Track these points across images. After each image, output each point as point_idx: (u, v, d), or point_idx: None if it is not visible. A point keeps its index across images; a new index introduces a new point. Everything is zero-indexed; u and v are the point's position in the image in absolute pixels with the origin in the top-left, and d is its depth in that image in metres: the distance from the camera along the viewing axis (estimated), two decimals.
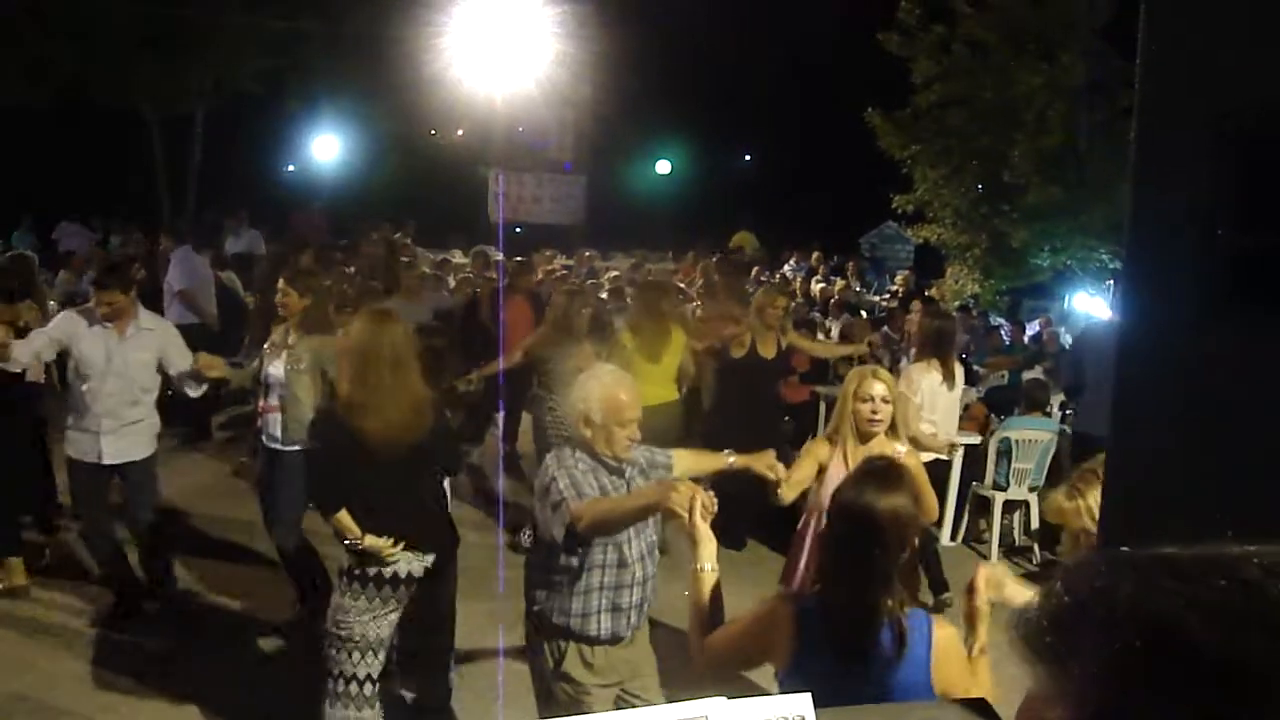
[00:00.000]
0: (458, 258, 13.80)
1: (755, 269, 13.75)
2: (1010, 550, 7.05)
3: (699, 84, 22.72)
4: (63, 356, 4.99)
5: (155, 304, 8.54)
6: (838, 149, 19.06)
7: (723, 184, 25.44)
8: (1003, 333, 11.74)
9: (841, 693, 1.97)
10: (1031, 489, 6.89)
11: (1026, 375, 8.67)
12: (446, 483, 4.19)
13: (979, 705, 1.92)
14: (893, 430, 3.91)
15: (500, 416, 7.70)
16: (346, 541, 3.60)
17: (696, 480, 2.97)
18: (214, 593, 5.56)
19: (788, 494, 3.80)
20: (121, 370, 4.85)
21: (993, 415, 7.64)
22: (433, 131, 21.19)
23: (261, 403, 5.05)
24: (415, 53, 16.03)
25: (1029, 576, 6.54)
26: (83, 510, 5.17)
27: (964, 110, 14.64)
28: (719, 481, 3.75)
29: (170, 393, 5.26)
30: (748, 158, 29.45)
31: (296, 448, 4.93)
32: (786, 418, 8.05)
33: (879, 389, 3.87)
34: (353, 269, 10.22)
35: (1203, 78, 1.58)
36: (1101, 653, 0.66)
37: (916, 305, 8.15)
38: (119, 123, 18.82)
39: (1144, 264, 1.71)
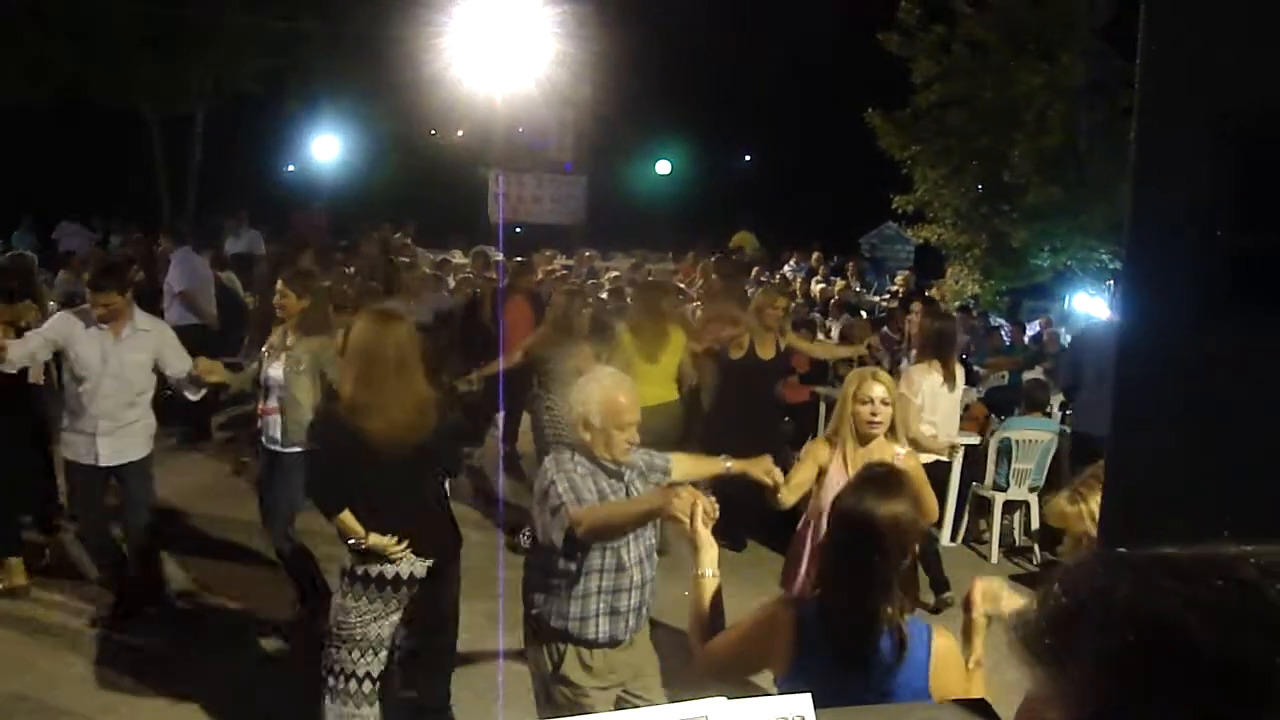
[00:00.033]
0: (458, 258, 13.80)
1: (755, 269, 13.75)
2: (1010, 551, 7.04)
3: (699, 84, 22.72)
4: (59, 357, 4.98)
5: (154, 305, 8.55)
6: (838, 149, 19.06)
7: (723, 184, 25.44)
8: (1003, 333, 11.74)
9: (840, 699, 1.96)
10: (1032, 489, 6.89)
11: (1026, 376, 8.67)
12: (446, 483, 4.19)
13: (979, 706, 1.92)
14: (892, 432, 3.91)
15: (500, 417, 7.70)
16: (351, 541, 3.60)
17: (697, 485, 2.97)
18: (214, 593, 5.56)
19: (788, 498, 3.80)
20: (117, 372, 4.83)
21: (993, 415, 7.64)
22: (433, 132, 21.19)
23: (261, 405, 5.05)
24: (415, 53, 16.04)
25: (1029, 577, 6.57)
26: (80, 513, 5.15)
27: (964, 110, 14.64)
28: (719, 483, 3.75)
29: (169, 392, 5.24)
30: (748, 158, 29.45)
31: (297, 449, 4.93)
32: (786, 418, 8.05)
33: (879, 391, 3.86)
34: (352, 269, 10.22)
35: (1203, 78, 1.58)
36: (1100, 653, 0.66)
37: (916, 306, 8.14)
38: (119, 123, 18.82)
39: (1144, 264, 1.71)
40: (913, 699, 2.22)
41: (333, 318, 5.44)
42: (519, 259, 9.74)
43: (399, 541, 3.60)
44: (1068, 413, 7.81)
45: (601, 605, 3.14)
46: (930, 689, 2.24)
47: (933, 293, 15.19)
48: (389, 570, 3.62)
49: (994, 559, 6.86)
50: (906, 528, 2.31)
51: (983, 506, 7.05)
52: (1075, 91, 13.93)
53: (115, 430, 4.87)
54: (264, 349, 5.15)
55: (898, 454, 3.87)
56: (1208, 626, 0.63)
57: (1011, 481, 6.85)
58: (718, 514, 2.59)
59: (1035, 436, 6.83)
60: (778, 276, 14.36)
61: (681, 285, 11.07)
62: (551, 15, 15.89)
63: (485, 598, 4.78)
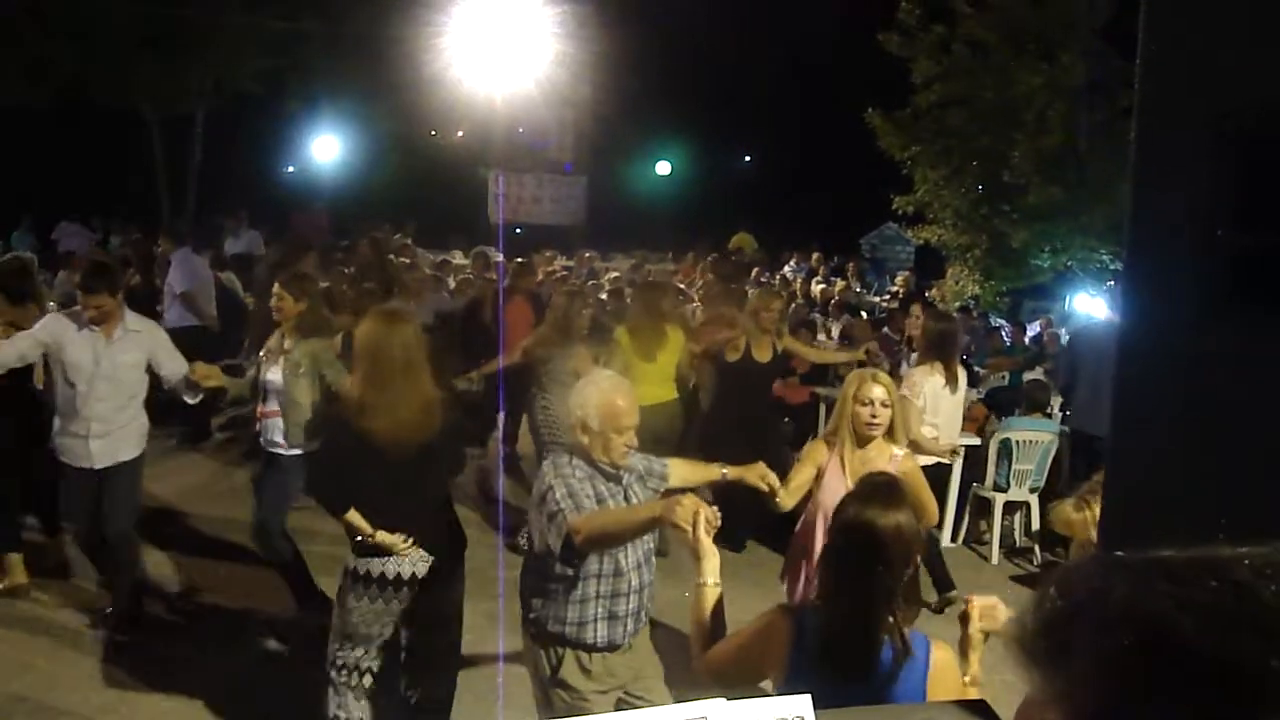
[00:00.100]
0: (458, 259, 13.81)
1: (755, 270, 13.75)
2: (1011, 552, 7.04)
3: (699, 84, 22.72)
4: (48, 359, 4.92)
5: (151, 306, 8.55)
6: (838, 149, 19.06)
7: (723, 184, 25.43)
8: (1003, 334, 11.75)
9: (836, 707, 1.96)
10: (1032, 490, 6.89)
11: (1027, 376, 8.68)
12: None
13: (979, 707, 1.92)
14: (890, 433, 3.91)
15: (500, 418, 7.69)
16: (358, 539, 3.61)
17: (697, 491, 2.96)
18: (214, 593, 5.56)
19: (787, 501, 3.80)
20: (110, 373, 4.80)
21: (993, 416, 7.64)
22: (433, 132, 21.18)
23: (260, 407, 5.05)
24: (415, 53, 16.03)
25: (1029, 578, 6.57)
26: (75, 517, 5.09)
27: (964, 110, 14.65)
28: (719, 485, 3.75)
29: (161, 391, 5.21)
30: (748, 158, 29.45)
31: (298, 451, 4.94)
32: (786, 419, 8.05)
33: (879, 392, 3.86)
34: (349, 270, 10.22)
35: (1203, 78, 1.58)
36: (1096, 655, 0.66)
37: (916, 308, 8.14)
38: (119, 123, 18.82)
39: (1144, 264, 1.71)
40: None
41: (332, 319, 5.44)
42: (519, 260, 9.73)
43: (404, 539, 3.61)
44: (1066, 412, 7.82)
45: (599, 610, 3.13)
46: (926, 703, 2.24)
47: (933, 293, 15.21)
48: (391, 569, 3.63)
49: (994, 560, 6.86)
50: (909, 537, 2.30)
51: (983, 507, 7.05)
52: (1075, 91, 13.93)
53: (108, 433, 4.83)
54: (262, 352, 5.15)
55: (895, 454, 3.87)
56: (1203, 628, 0.63)
57: (1012, 482, 6.85)
58: (719, 522, 2.59)
59: (1036, 437, 6.83)
60: (778, 277, 14.36)
61: (681, 286, 11.08)
62: (551, 15, 15.89)
63: (485, 598, 4.78)
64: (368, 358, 3.62)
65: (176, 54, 16.99)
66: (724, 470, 3.51)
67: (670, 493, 3.23)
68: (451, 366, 6.23)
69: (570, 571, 3.09)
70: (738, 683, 2.49)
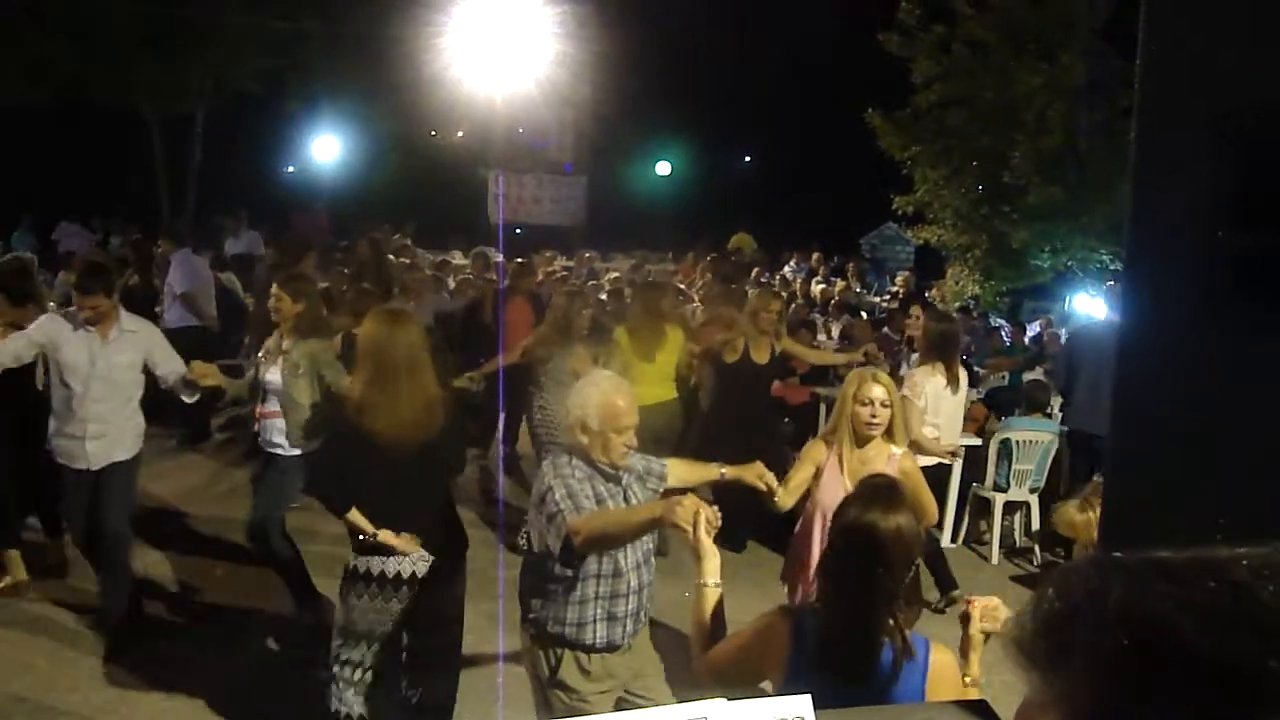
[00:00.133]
0: (458, 259, 13.81)
1: (755, 270, 13.75)
2: (1011, 552, 7.04)
3: (699, 84, 22.72)
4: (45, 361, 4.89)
5: (150, 306, 8.55)
6: (838, 149, 19.06)
7: (723, 184, 25.43)
8: (1003, 334, 11.75)
9: (835, 709, 1.96)
10: (1032, 490, 6.89)
11: (1027, 376, 8.67)
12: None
13: (979, 707, 1.92)
14: (890, 433, 3.91)
15: (500, 418, 7.70)
16: (361, 537, 3.62)
17: (697, 492, 2.96)
18: (214, 593, 5.56)
19: (786, 500, 3.80)
20: (105, 374, 4.78)
21: (993, 416, 7.64)
22: (433, 132, 21.18)
23: (259, 408, 5.05)
24: (415, 53, 16.04)
25: (1029, 578, 6.57)
26: (72, 519, 5.06)
27: (964, 110, 14.65)
28: (718, 485, 3.75)
29: (158, 391, 5.20)
30: (748, 158, 29.45)
31: (297, 452, 4.95)
32: (786, 419, 8.05)
33: (878, 392, 3.86)
34: (348, 270, 10.22)
35: (1203, 78, 1.58)
36: (1094, 656, 0.66)
37: (915, 309, 8.14)
38: (119, 123, 18.82)
39: (1144, 264, 1.71)
40: None
41: (330, 319, 5.44)
42: (519, 260, 9.73)
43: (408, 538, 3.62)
44: (1065, 412, 7.82)
45: (599, 610, 3.13)
46: (926, 702, 2.24)
47: (933, 293, 15.21)
48: (391, 568, 3.64)
49: (994, 560, 6.86)
50: (909, 540, 2.30)
51: (983, 507, 7.05)
52: (1075, 91, 13.94)
53: (104, 433, 4.81)
54: (260, 353, 5.15)
55: (893, 454, 3.87)
56: (1201, 628, 0.63)
57: (1012, 482, 6.85)
58: (720, 522, 2.58)
59: (1036, 437, 6.83)
60: (778, 277, 14.36)
61: (681, 286, 11.08)
62: (551, 15, 15.89)
63: (486, 598, 4.78)
64: (371, 357, 3.63)
65: (176, 54, 16.99)
66: (722, 470, 3.51)
67: (669, 492, 3.23)
68: (451, 366, 6.23)
69: (569, 572, 3.09)
70: (737, 683, 2.49)
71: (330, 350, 5.14)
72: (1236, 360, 1.51)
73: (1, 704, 4.31)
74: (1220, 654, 0.62)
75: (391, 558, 3.64)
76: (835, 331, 10.22)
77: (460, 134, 21.11)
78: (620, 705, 3.24)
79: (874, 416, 3.84)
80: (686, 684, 2.72)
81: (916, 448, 5.70)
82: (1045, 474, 6.91)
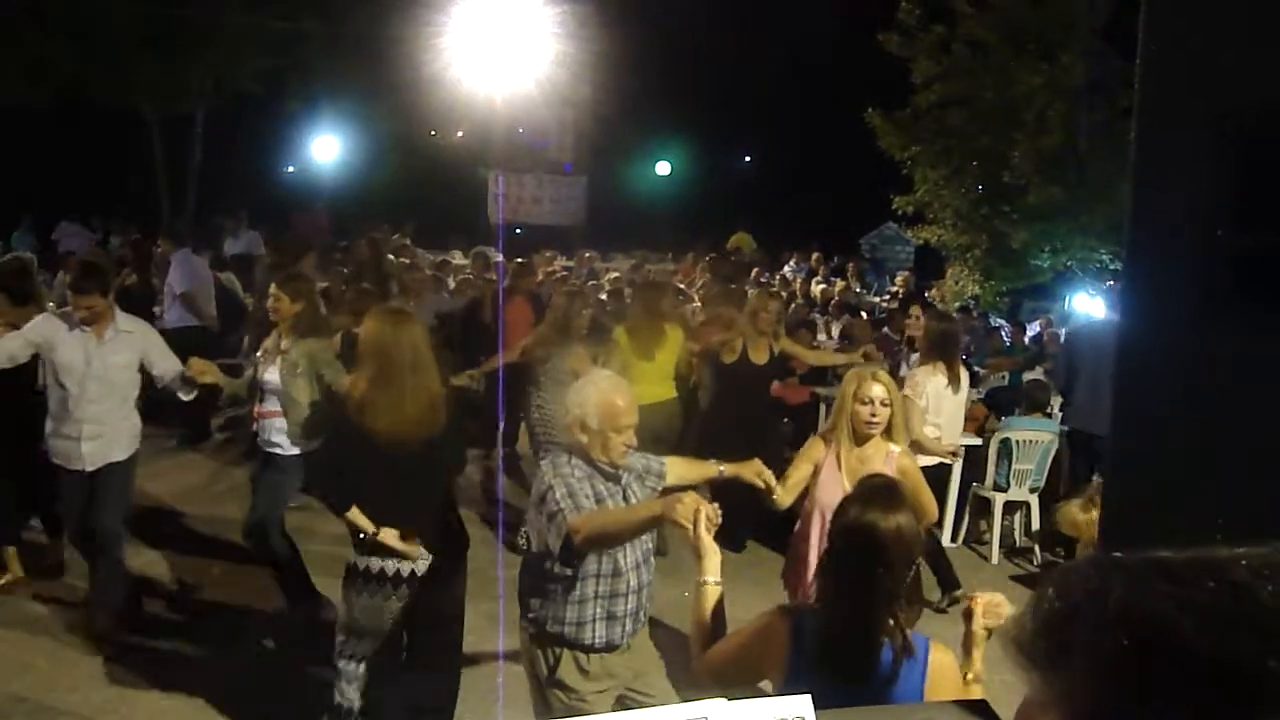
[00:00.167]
0: (458, 259, 13.80)
1: (755, 270, 13.75)
2: (1011, 552, 7.04)
3: (699, 84, 22.71)
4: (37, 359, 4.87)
5: (148, 305, 8.55)
6: (838, 149, 19.05)
7: (722, 184, 25.42)
8: (1003, 334, 11.75)
9: (834, 709, 1.96)
10: (1032, 490, 6.89)
11: (1027, 376, 8.67)
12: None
13: (979, 707, 1.92)
14: (889, 432, 3.91)
15: (500, 418, 7.70)
16: (362, 535, 3.63)
17: (697, 489, 2.95)
18: (212, 592, 5.56)
19: (785, 498, 3.80)
20: (101, 374, 4.75)
21: (993, 416, 7.64)
22: (433, 132, 21.17)
23: (257, 408, 5.04)
24: (415, 53, 16.02)
25: (1029, 578, 6.56)
26: (69, 520, 5.05)
27: (964, 110, 14.65)
28: (718, 485, 3.75)
29: (156, 391, 5.19)
30: (748, 158, 29.44)
31: (296, 451, 4.95)
32: (786, 419, 8.04)
33: (878, 391, 3.86)
34: (346, 270, 10.23)
35: (1203, 78, 1.58)
36: (1094, 656, 0.66)
37: (915, 309, 8.14)
38: (119, 123, 18.82)
39: (1144, 264, 1.71)
40: None
41: (330, 319, 5.43)
42: (519, 260, 9.73)
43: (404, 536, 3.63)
44: (1065, 411, 7.81)
45: (598, 610, 3.13)
46: (926, 701, 2.23)
47: (933, 293, 15.21)
48: (391, 566, 3.65)
49: (994, 560, 6.86)
50: (910, 540, 2.30)
51: (983, 507, 7.05)
52: (1075, 91, 13.93)
53: (100, 434, 4.78)
54: (258, 354, 5.15)
55: (892, 452, 3.87)
56: (1201, 628, 0.63)
57: (1012, 482, 6.85)
58: (720, 520, 2.58)
59: (1036, 437, 6.83)
60: (777, 277, 14.36)
61: (681, 286, 11.08)
62: (551, 15, 15.87)
63: (486, 598, 4.78)
64: (375, 357, 3.64)
65: (176, 54, 16.99)
66: (720, 467, 3.51)
67: (668, 491, 3.23)
68: (451, 365, 6.23)
69: (569, 571, 3.09)
70: (736, 683, 2.49)
71: (329, 349, 5.14)
72: (1236, 360, 1.51)
73: (1, 704, 4.31)
74: (1220, 654, 0.62)
75: (392, 556, 3.65)
76: (835, 331, 10.21)
77: (460, 134, 21.10)
78: (622, 703, 3.24)
79: (874, 415, 3.84)
80: (687, 683, 2.72)
81: (918, 447, 5.70)
82: (1045, 474, 6.91)
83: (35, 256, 9.47)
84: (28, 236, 14.60)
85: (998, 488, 6.87)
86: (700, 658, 2.47)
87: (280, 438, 4.97)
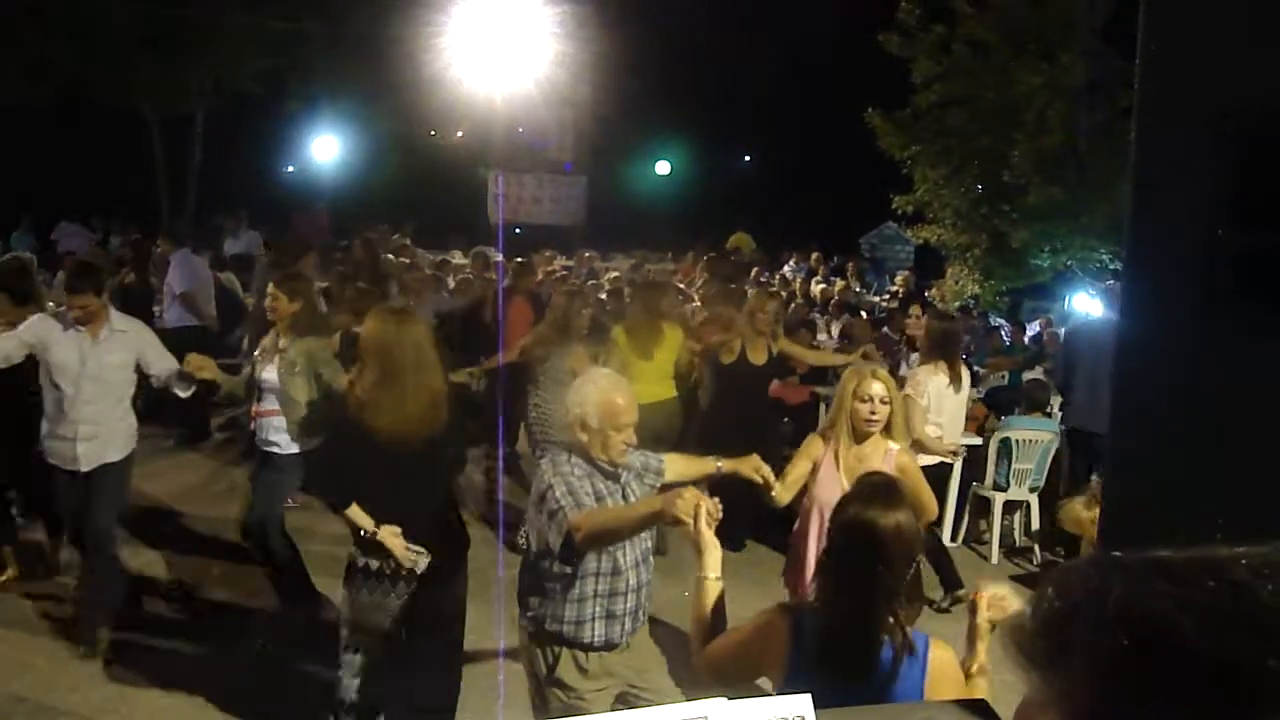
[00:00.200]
0: (457, 258, 13.80)
1: (755, 270, 13.74)
2: (1011, 551, 7.04)
3: (699, 84, 22.71)
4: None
5: (146, 305, 8.56)
6: (838, 149, 19.05)
7: (722, 184, 25.42)
8: (1003, 333, 11.74)
9: (834, 707, 1.95)
10: (1032, 489, 6.89)
11: (1027, 376, 8.67)
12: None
13: (979, 706, 1.92)
14: (888, 430, 3.91)
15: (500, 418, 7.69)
16: (362, 533, 3.63)
17: (697, 486, 2.96)
18: (212, 592, 5.56)
19: (783, 495, 3.79)
20: (96, 374, 4.72)
21: (993, 415, 7.64)
22: (432, 132, 21.17)
23: (255, 407, 5.04)
24: (415, 53, 16.02)
25: (1029, 578, 6.56)
26: (66, 521, 5.04)
27: (964, 110, 14.64)
28: (717, 484, 3.75)
29: (153, 390, 5.17)
30: (748, 158, 29.44)
31: (294, 450, 4.94)
32: (786, 419, 8.04)
33: (878, 389, 3.86)
34: (344, 269, 10.23)
35: (1203, 78, 1.58)
36: (1094, 655, 0.66)
37: (915, 309, 8.14)
38: (119, 123, 18.81)
39: (1144, 264, 1.71)
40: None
41: (330, 318, 5.43)
42: (519, 260, 9.73)
43: (404, 535, 3.64)
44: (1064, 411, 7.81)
45: (597, 609, 3.13)
46: (925, 700, 2.23)
47: (933, 293, 15.21)
48: (391, 564, 3.65)
49: (994, 559, 6.86)
50: (910, 537, 2.30)
51: (983, 507, 7.05)
52: (1075, 91, 13.93)
53: (95, 435, 4.75)
54: (255, 353, 5.15)
55: (890, 449, 3.86)
56: (1201, 628, 0.63)
57: (1012, 482, 6.85)
58: (721, 515, 2.58)
59: (1035, 436, 6.83)
60: (777, 277, 14.36)
61: (681, 285, 11.07)
62: (551, 15, 15.88)
63: (486, 598, 4.78)
64: (378, 356, 3.64)
65: (176, 54, 16.98)
66: (719, 463, 3.51)
67: (667, 488, 3.23)
68: (451, 365, 6.23)
69: (568, 570, 3.09)
70: (736, 679, 2.49)
71: (328, 348, 5.14)
72: (1236, 360, 1.51)
73: (1, 704, 4.31)
74: (1220, 653, 0.62)
75: (393, 554, 3.66)
76: (835, 331, 10.21)
77: (460, 134, 21.09)
78: (624, 699, 3.25)
79: (873, 413, 3.84)
80: (688, 681, 2.72)
81: (920, 447, 5.71)
82: (1045, 473, 6.91)
83: (35, 256, 9.48)
84: (27, 236, 14.60)
85: (997, 487, 6.87)
86: (700, 654, 2.47)
87: (278, 436, 4.96)
